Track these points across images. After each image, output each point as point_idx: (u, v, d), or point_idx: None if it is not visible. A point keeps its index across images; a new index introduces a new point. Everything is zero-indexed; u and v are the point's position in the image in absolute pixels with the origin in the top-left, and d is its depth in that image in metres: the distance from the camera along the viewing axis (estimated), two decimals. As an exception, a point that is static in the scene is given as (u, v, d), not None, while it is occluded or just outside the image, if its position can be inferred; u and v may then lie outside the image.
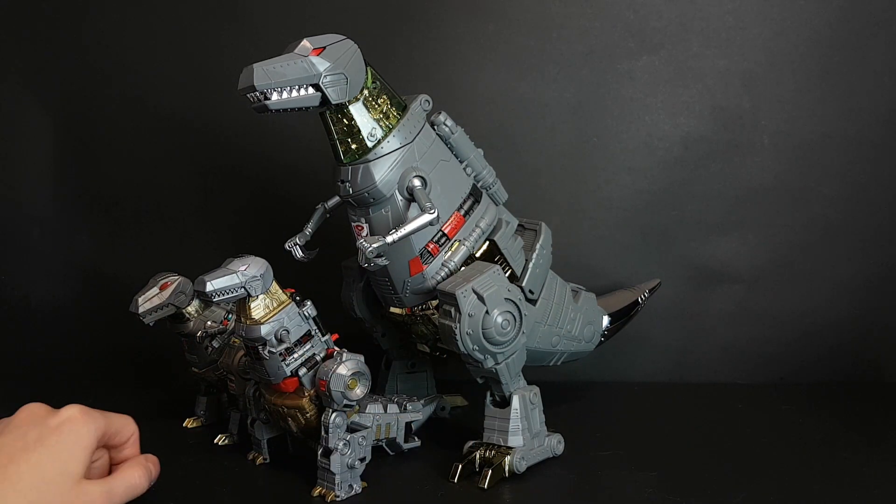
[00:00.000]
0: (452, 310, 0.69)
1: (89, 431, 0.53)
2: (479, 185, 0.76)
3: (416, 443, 0.77)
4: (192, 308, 0.83)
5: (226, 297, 0.65)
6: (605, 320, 0.88)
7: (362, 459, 0.68)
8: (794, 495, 0.67)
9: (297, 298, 0.68)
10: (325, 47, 0.65)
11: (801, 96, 0.98)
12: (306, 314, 0.68)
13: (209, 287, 0.64)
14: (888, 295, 1.01)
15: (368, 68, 0.69)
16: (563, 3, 0.98)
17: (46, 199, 1.07)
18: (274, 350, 0.66)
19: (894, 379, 1.01)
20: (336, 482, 0.66)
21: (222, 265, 0.66)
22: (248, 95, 0.64)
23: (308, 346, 0.68)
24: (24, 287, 1.08)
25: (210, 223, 1.05)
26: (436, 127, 0.73)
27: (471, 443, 0.75)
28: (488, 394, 0.75)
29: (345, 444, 0.66)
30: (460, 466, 0.71)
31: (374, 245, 0.66)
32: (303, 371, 0.68)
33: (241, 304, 0.66)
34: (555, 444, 0.76)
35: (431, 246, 0.72)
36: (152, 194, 1.06)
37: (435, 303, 0.73)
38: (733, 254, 1.01)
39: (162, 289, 0.81)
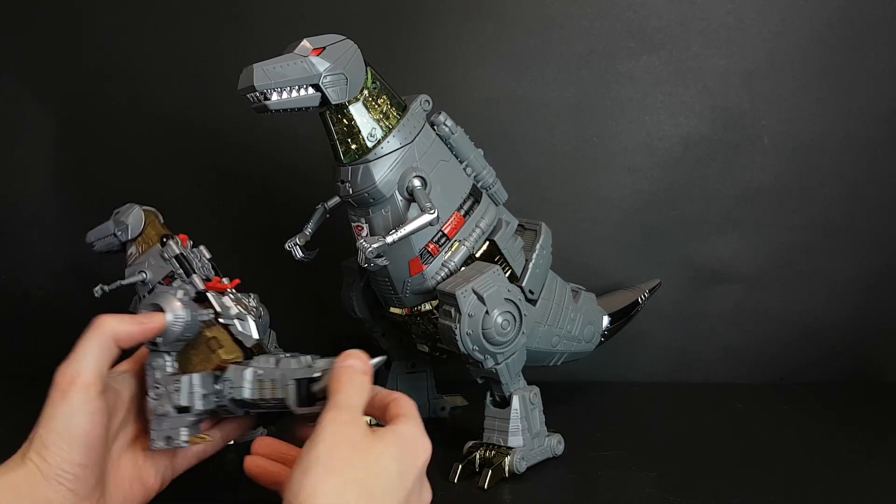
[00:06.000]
0: (452, 310, 0.69)
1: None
2: (479, 186, 0.76)
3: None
4: None
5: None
6: (605, 320, 0.88)
7: None
8: (794, 495, 0.67)
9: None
10: (325, 47, 0.65)
11: (801, 96, 0.98)
12: None
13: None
14: (888, 295, 1.01)
15: (368, 68, 0.69)
16: (563, 3, 0.98)
17: (46, 199, 1.07)
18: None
19: (894, 379, 1.02)
20: None
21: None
22: (248, 96, 0.64)
23: None
24: (23, 287, 1.08)
25: (210, 223, 1.05)
26: (436, 127, 0.73)
27: (471, 443, 0.75)
28: (488, 394, 0.75)
29: None
30: (460, 466, 0.71)
31: (374, 245, 0.66)
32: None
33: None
34: (555, 444, 0.76)
35: (431, 246, 0.72)
36: (152, 194, 1.06)
37: (435, 302, 0.73)
38: (733, 254, 1.01)
39: (162, 289, 0.80)
